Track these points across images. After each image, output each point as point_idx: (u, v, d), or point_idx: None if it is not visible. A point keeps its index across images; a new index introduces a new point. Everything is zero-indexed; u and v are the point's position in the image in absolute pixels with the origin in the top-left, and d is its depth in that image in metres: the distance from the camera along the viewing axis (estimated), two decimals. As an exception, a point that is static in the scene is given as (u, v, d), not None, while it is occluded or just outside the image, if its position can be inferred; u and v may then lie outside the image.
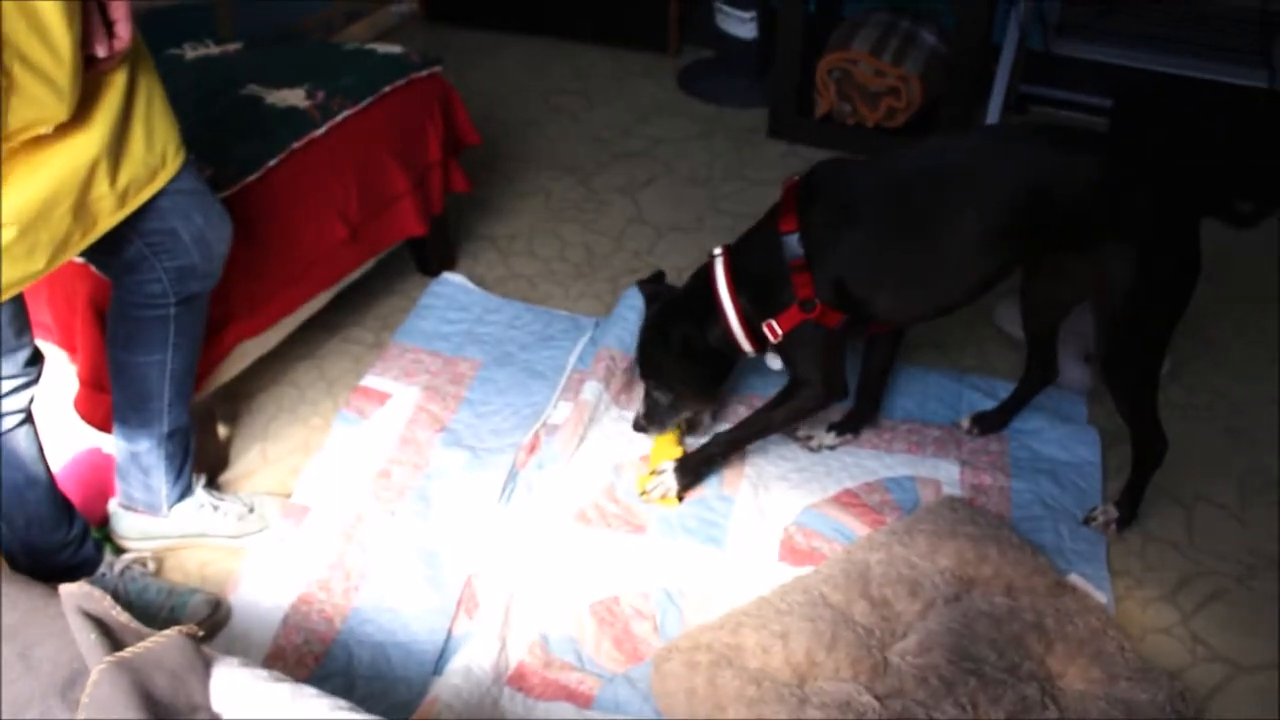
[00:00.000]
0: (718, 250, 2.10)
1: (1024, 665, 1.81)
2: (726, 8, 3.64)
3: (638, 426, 2.20)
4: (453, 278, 2.75)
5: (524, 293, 2.77)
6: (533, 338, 2.59)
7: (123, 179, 1.54)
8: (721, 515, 2.13)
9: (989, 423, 2.36)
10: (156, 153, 1.59)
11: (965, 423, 2.37)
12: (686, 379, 2.15)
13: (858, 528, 2.10)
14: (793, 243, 1.95)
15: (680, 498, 2.15)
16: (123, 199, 1.56)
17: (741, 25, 3.64)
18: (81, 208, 1.49)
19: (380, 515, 2.10)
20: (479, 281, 2.77)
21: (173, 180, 1.63)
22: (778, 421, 2.12)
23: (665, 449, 2.21)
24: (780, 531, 2.10)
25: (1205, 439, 2.36)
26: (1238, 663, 1.92)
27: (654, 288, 2.26)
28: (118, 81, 1.51)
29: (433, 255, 2.76)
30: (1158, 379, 2.01)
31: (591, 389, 2.33)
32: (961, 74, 3.24)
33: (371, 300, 2.70)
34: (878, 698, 1.72)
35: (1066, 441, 2.33)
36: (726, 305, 2.06)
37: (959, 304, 2.06)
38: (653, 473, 2.16)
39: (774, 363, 2.16)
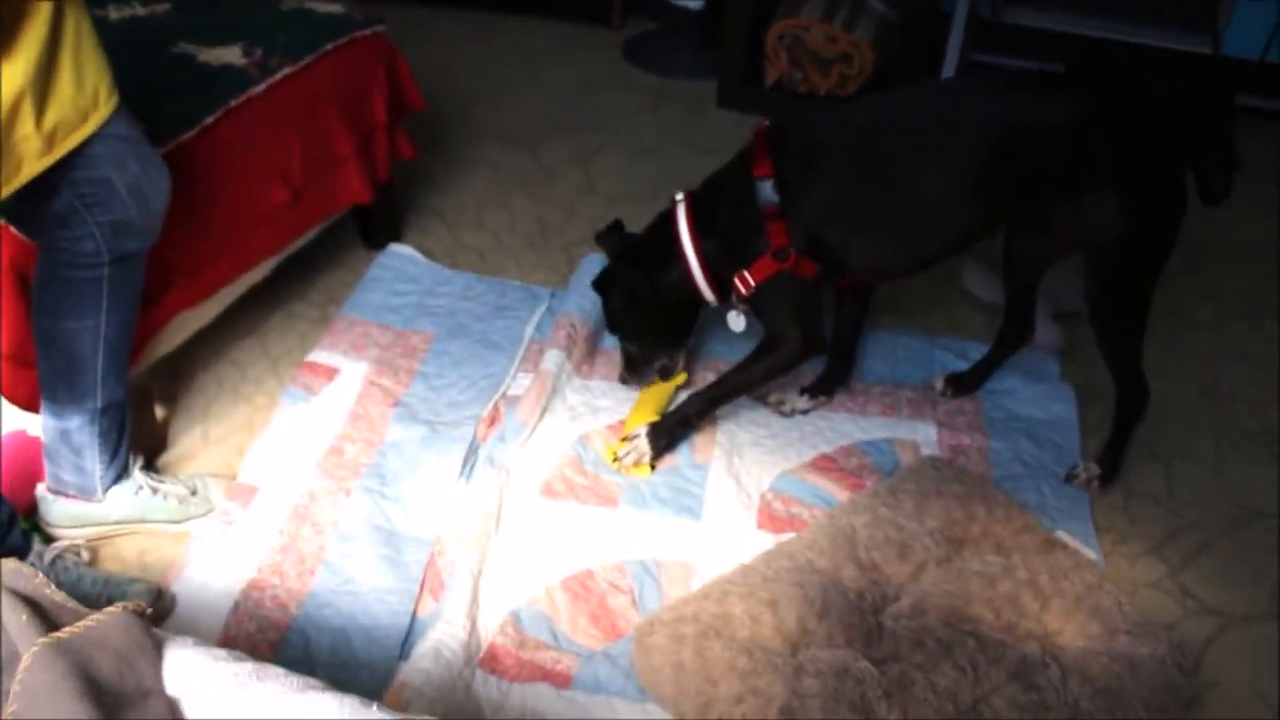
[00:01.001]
0: (679, 195, 2.00)
1: (1021, 624, 1.75)
2: (672, -23, 3.55)
3: (622, 380, 2.16)
4: (400, 249, 2.64)
5: (474, 265, 2.67)
6: (487, 308, 2.49)
7: (50, 120, 1.40)
8: (695, 484, 2.05)
9: (963, 383, 2.29)
10: (87, 93, 1.45)
11: (939, 384, 2.30)
12: (648, 328, 2.08)
13: (837, 492, 2.03)
14: (767, 188, 1.86)
15: (653, 465, 2.06)
16: (50, 142, 1.41)
17: (687, -6, 3.55)
18: (4, 151, 1.34)
19: (334, 494, 1.99)
20: (427, 254, 2.66)
21: (105, 124, 1.49)
22: (757, 377, 2.03)
23: (642, 416, 2.11)
24: (757, 499, 2.03)
25: (1177, 397, 2.32)
26: (1228, 614, 1.88)
27: (613, 238, 2.15)
28: (42, 10, 1.35)
29: (379, 226, 2.65)
30: (1144, 327, 1.95)
31: (553, 358, 2.25)
32: (914, 42, 3.18)
33: (315, 273, 2.58)
34: (874, 662, 1.64)
35: (1041, 400, 2.28)
36: (689, 251, 1.97)
37: (937, 256, 1.99)
38: (624, 439, 2.07)
39: (737, 324, 2.07)
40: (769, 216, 1.87)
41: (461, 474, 2.03)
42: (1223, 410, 2.32)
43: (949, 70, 3.21)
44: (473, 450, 2.08)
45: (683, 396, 2.16)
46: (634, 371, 2.15)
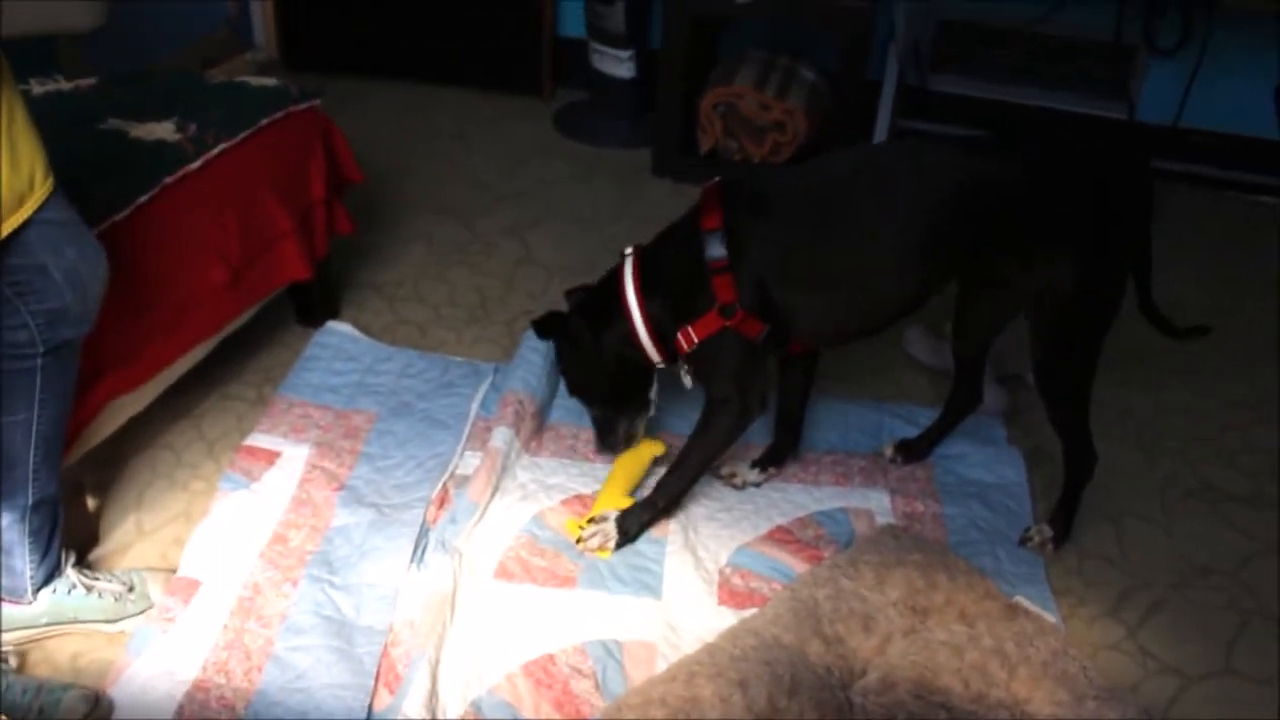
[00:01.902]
0: (628, 250, 1.98)
1: (991, 694, 1.73)
2: (603, 48, 3.57)
3: (599, 449, 2.15)
4: (338, 326, 2.58)
5: (414, 340, 2.63)
6: (430, 385, 2.43)
7: (-17, 206, 1.33)
8: (653, 561, 2.00)
9: (913, 450, 2.29)
10: (23, 176, 1.39)
11: (889, 451, 2.30)
12: (601, 388, 2.06)
13: (795, 564, 2.00)
14: (715, 241, 1.85)
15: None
16: (-17, 229, 1.34)
17: (619, 65, 3.58)
18: (-66, 239, 1.27)
19: (280, 585, 1.90)
20: (365, 330, 2.61)
21: (40, 209, 1.42)
22: (712, 450, 2.01)
23: (613, 494, 2.08)
24: (716, 574, 1.99)
25: (1119, 454, 2.35)
26: (1187, 673, 1.89)
27: (577, 294, 2.12)
28: (-28, 90, 1.30)
29: (315, 303, 2.60)
30: (1091, 389, 1.97)
31: (501, 435, 2.19)
32: (844, 109, 3.23)
33: (250, 353, 2.51)
34: (849, 741, 1.60)
35: (991, 464, 2.29)
36: (633, 309, 1.94)
37: (888, 318, 1.98)
38: (590, 520, 2.03)
39: (687, 380, 2.04)
40: (716, 270, 1.85)
41: (413, 559, 1.96)
42: (1165, 468, 2.35)
43: (880, 136, 3.27)
44: (423, 533, 2.01)
45: (658, 470, 2.13)
46: (605, 440, 2.12)
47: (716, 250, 1.84)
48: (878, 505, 2.17)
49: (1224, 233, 3.34)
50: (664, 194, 3.33)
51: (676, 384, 2.05)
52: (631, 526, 2.00)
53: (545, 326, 2.03)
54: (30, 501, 1.66)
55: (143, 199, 1.92)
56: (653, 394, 2.11)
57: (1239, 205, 3.50)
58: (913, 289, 1.91)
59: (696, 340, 1.89)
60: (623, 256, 1.99)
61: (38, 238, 1.44)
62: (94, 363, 1.79)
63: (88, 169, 1.91)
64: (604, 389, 2.07)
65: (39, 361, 1.54)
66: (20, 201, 1.39)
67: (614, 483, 2.10)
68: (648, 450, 2.15)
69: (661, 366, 2.02)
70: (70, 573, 1.80)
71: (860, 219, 1.85)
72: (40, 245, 1.45)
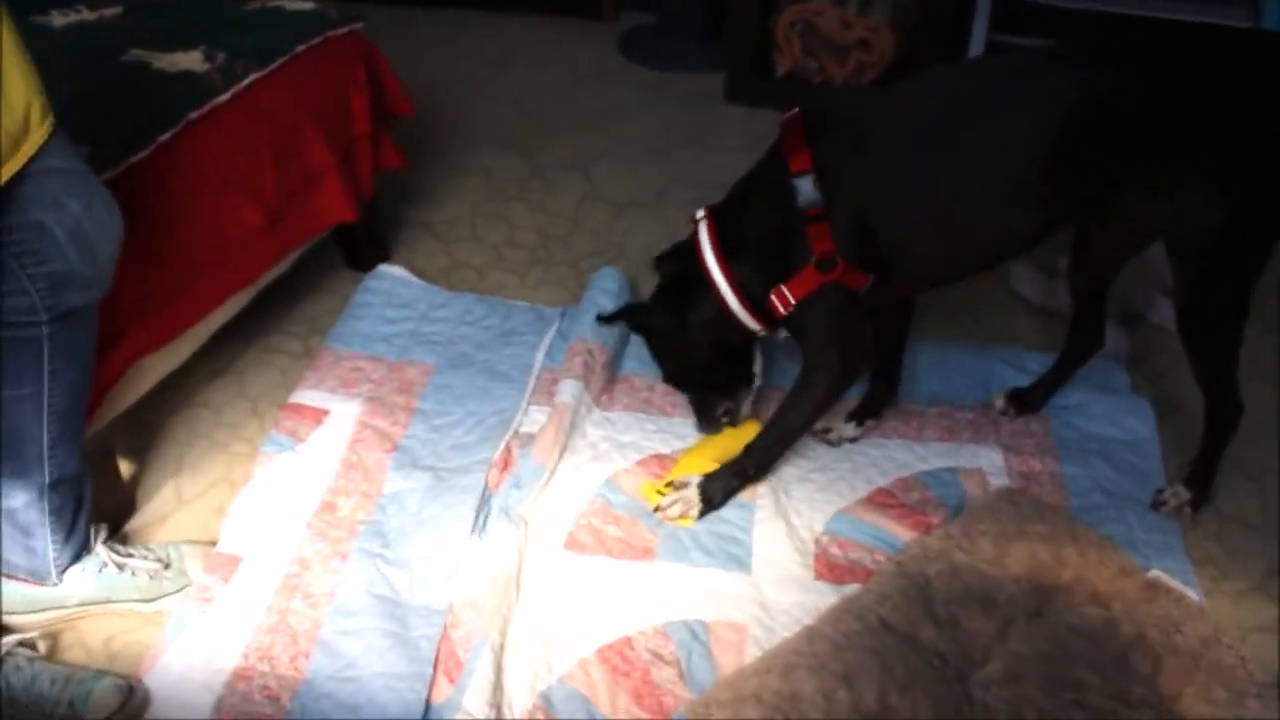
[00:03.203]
0: (700, 214, 1.77)
1: (1134, 690, 1.52)
2: (669, -36, 3.30)
3: (699, 429, 1.98)
4: (390, 270, 2.41)
5: (472, 284, 2.46)
6: (490, 334, 2.26)
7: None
8: (741, 529, 1.82)
9: (1026, 401, 2.07)
10: (16, 115, 1.19)
11: (999, 402, 2.07)
12: (697, 373, 1.87)
13: (900, 532, 1.82)
14: (806, 186, 1.62)
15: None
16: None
17: (687, -19, 3.31)
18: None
19: (328, 559, 1.76)
20: (419, 274, 2.44)
21: (37, 157, 1.24)
22: (808, 414, 1.81)
23: (698, 461, 1.89)
24: (812, 544, 1.81)
25: (1262, 401, 2.07)
26: (1355, 660, 1.64)
27: (666, 266, 1.90)
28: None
29: (364, 246, 2.43)
30: (1241, 334, 1.71)
31: (569, 389, 2.03)
32: (933, 25, 2.95)
33: (295, 301, 2.36)
34: (972, 745, 1.40)
35: (1115, 415, 2.06)
36: (719, 280, 1.74)
37: (1001, 255, 1.78)
38: (669, 484, 1.85)
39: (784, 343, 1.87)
40: (810, 219, 1.63)
41: (474, 529, 1.80)
42: (1311, 419, 2.08)
43: (974, 53, 2.97)
44: (485, 500, 1.85)
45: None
46: (704, 420, 1.95)
47: (809, 195, 1.63)
48: (989, 464, 1.96)
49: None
50: (738, 121, 3.08)
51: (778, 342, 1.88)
52: (716, 494, 1.83)
53: (629, 319, 1.90)
54: (48, 480, 1.50)
55: (165, 137, 1.75)
56: (757, 367, 1.93)
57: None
58: (1030, 222, 1.69)
59: (794, 302, 1.69)
60: (693, 222, 1.77)
61: (34, 192, 1.25)
62: (114, 320, 1.63)
63: (104, 106, 1.75)
64: (702, 374, 1.89)
65: (44, 330, 1.36)
66: (14, 146, 1.20)
67: (702, 449, 1.93)
68: (748, 430, 1.94)
69: (763, 335, 1.83)
70: (100, 550, 1.66)
71: (966, 146, 1.62)
72: (37, 200, 1.26)
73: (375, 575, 1.73)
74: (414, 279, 2.40)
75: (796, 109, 1.70)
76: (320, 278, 2.43)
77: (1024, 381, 2.10)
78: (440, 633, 1.64)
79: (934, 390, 2.13)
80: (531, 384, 2.12)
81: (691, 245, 1.78)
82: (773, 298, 1.71)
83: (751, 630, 1.65)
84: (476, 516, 1.82)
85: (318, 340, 2.25)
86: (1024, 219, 1.68)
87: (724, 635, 1.65)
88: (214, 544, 1.77)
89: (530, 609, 1.68)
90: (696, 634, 1.65)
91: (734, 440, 1.90)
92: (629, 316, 1.90)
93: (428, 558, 1.76)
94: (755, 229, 1.72)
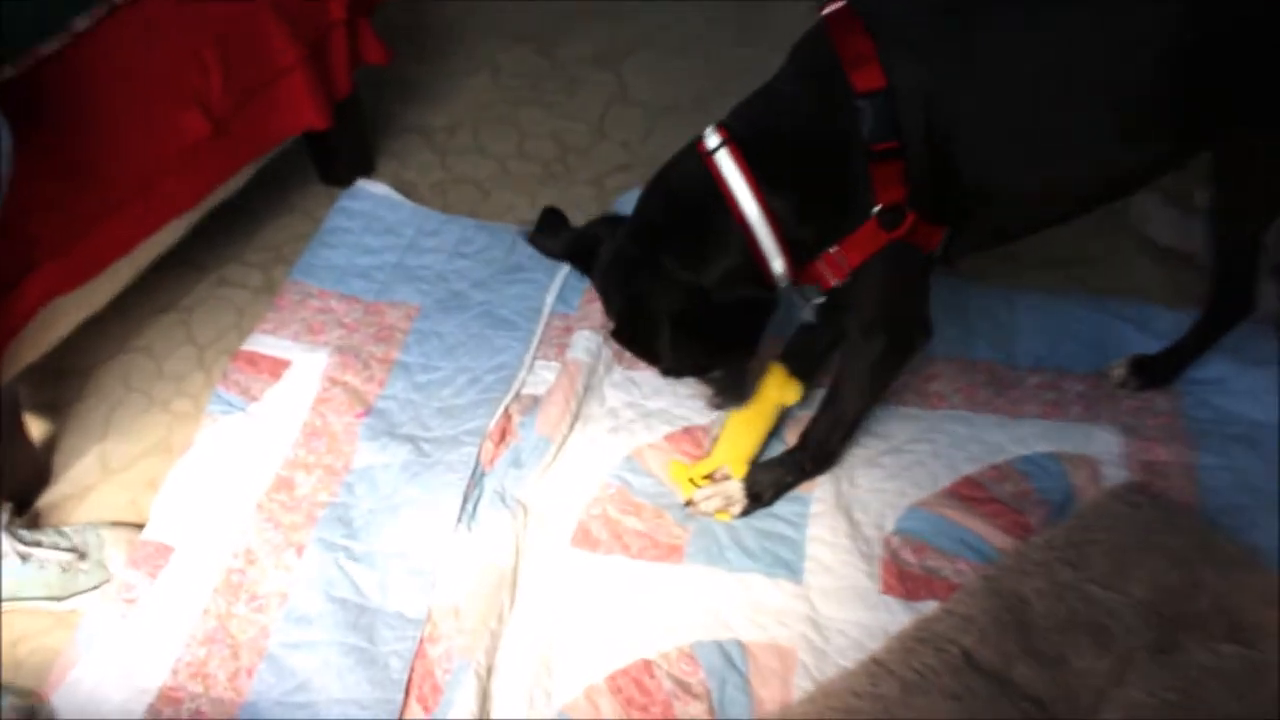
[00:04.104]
0: (710, 134, 1.51)
1: (1288, 753, 1.40)
2: None
3: (723, 405, 1.80)
4: (372, 187, 2.35)
5: (473, 205, 2.40)
6: (491, 269, 2.19)
7: None
8: (791, 525, 1.75)
9: (1154, 371, 1.94)
10: None
11: (1119, 371, 1.95)
12: (714, 349, 1.63)
13: (991, 535, 1.73)
14: (876, 109, 1.41)
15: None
16: None
17: None
18: None
19: (280, 551, 1.71)
20: (408, 192, 2.39)
21: None
22: (867, 396, 1.71)
23: (737, 444, 1.77)
24: (880, 547, 1.73)
25: None
26: None
27: (567, 234, 1.68)
28: None
29: (341, 156, 2.38)
30: None
31: (584, 341, 1.97)
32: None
33: (256, 225, 2.31)
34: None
35: (1261, 394, 1.93)
36: (754, 218, 1.49)
37: (1111, 196, 1.61)
38: (707, 477, 1.77)
39: (809, 315, 1.66)
40: (880, 155, 1.43)
41: (461, 517, 1.76)
42: None
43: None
44: (476, 480, 1.81)
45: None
46: (727, 394, 1.76)
47: (881, 123, 1.42)
48: (1104, 450, 1.86)
49: None
50: (800, 13, 2.87)
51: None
52: (766, 490, 1.76)
53: (578, 254, 1.63)
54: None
55: (80, 24, 1.68)
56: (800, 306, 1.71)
57: None
58: (1152, 152, 1.53)
59: (850, 268, 1.50)
60: (700, 151, 1.52)
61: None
62: (21, 252, 1.59)
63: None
64: (719, 349, 1.66)
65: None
66: None
67: (738, 429, 1.79)
68: (787, 391, 1.81)
69: (787, 285, 1.61)
70: (3, 537, 1.60)
71: (1072, 56, 1.45)
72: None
73: (337, 573, 1.68)
74: (401, 198, 2.34)
75: (841, 2, 1.47)
76: (286, 194, 2.37)
77: (1150, 346, 1.99)
78: (415, 648, 1.60)
79: (1036, 354, 2.03)
80: (539, 333, 2.05)
81: (701, 175, 1.52)
82: (820, 265, 1.51)
83: (801, 656, 1.59)
84: (465, 501, 1.78)
85: (282, 272, 2.20)
86: (1143, 150, 1.52)
87: (766, 662, 1.58)
88: (142, 528, 1.72)
89: (527, 621, 1.63)
90: (732, 659, 1.58)
91: (768, 411, 1.78)
92: (576, 251, 1.63)
93: (402, 553, 1.71)
94: (801, 158, 1.50)
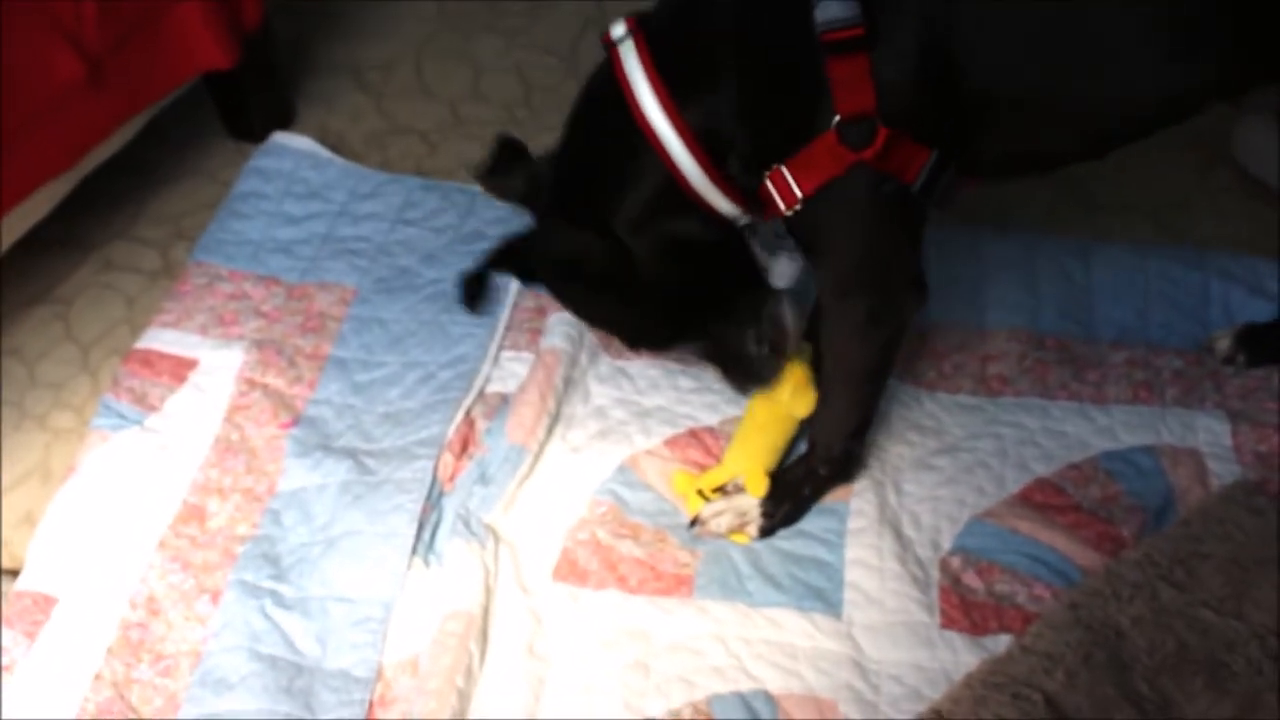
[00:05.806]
0: (617, 28, 1.53)
1: None
2: None
3: (739, 391, 1.82)
4: (292, 141, 2.39)
5: (418, 160, 2.45)
6: (444, 239, 2.23)
7: None
8: (825, 545, 1.77)
9: (1266, 342, 1.96)
10: None
11: (1224, 343, 1.98)
12: (677, 316, 1.64)
13: (1075, 552, 1.74)
14: None
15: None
16: None
17: None
18: None
19: (191, 601, 1.72)
20: (338, 145, 2.43)
21: None
22: (865, 385, 1.73)
23: (751, 449, 1.79)
24: (935, 570, 1.75)
25: None
26: None
27: (520, 172, 1.69)
28: None
29: (252, 105, 2.41)
30: None
31: (562, 326, 1.99)
32: None
33: (148, 192, 2.34)
34: None
35: None
36: (663, 131, 1.48)
37: (1142, 126, 1.60)
38: (718, 490, 1.78)
39: (783, 272, 1.68)
40: (836, 47, 1.41)
41: (416, 549, 1.78)
42: None
43: None
44: (434, 502, 1.83)
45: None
46: (741, 374, 1.76)
47: (838, 9, 1.40)
48: (1209, 441, 1.88)
49: None
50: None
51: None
52: (784, 503, 1.78)
53: (505, 265, 1.62)
54: None
55: None
56: (772, 262, 1.72)
57: None
58: (1199, 73, 1.52)
59: (802, 195, 1.48)
60: (608, 45, 1.52)
61: None
62: None
63: None
64: (674, 311, 1.66)
65: None
66: None
67: (751, 433, 1.81)
68: (798, 400, 1.83)
69: (745, 222, 1.62)
70: None
71: None
72: None
73: (263, 624, 1.69)
74: (329, 154, 2.38)
75: None
76: (187, 152, 2.42)
77: (1262, 312, 2.04)
78: (364, 715, 1.61)
79: (1121, 324, 2.07)
80: (505, 317, 2.08)
81: (608, 89, 1.52)
82: (768, 183, 1.51)
83: (843, 709, 1.61)
84: (420, 530, 1.79)
85: (183, 251, 2.23)
86: (1185, 69, 1.50)
87: (801, 717, 1.60)
88: (16, 575, 1.74)
89: (502, 676, 1.64)
90: (759, 715, 1.60)
91: (791, 405, 1.81)
92: (502, 261, 1.62)
93: (342, 597, 1.73)
94: (720, 60, 1.49)
